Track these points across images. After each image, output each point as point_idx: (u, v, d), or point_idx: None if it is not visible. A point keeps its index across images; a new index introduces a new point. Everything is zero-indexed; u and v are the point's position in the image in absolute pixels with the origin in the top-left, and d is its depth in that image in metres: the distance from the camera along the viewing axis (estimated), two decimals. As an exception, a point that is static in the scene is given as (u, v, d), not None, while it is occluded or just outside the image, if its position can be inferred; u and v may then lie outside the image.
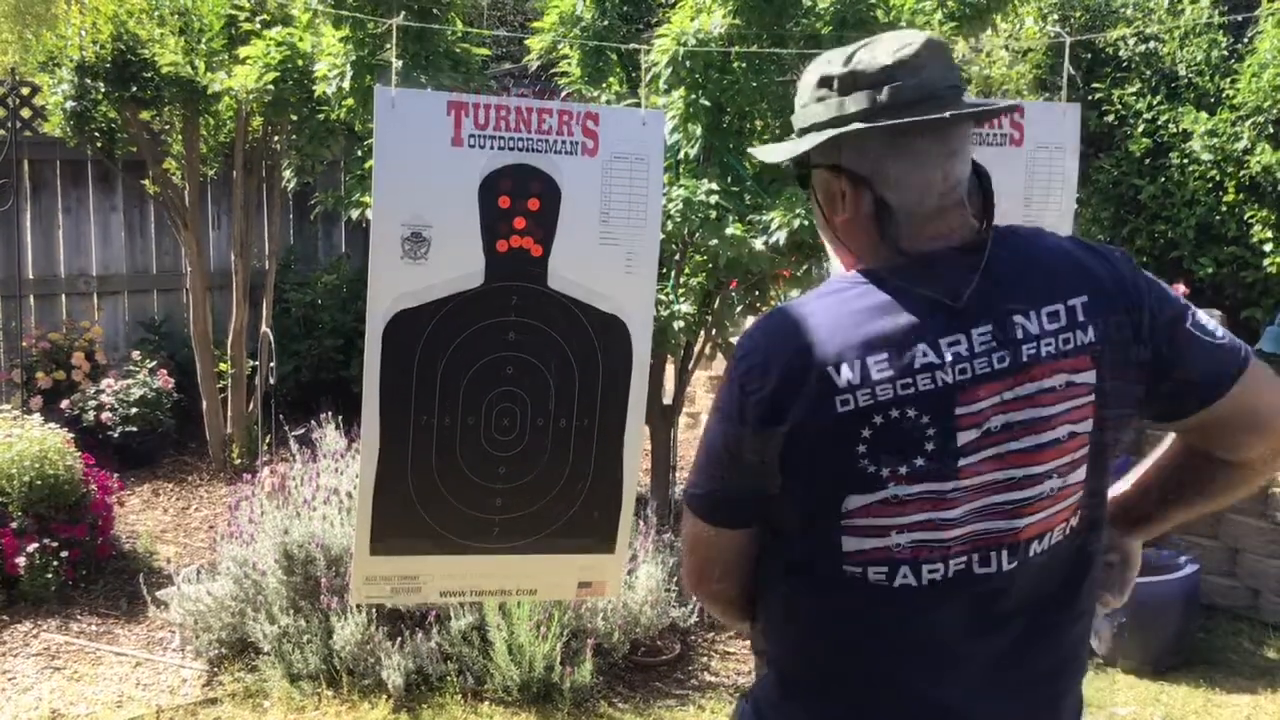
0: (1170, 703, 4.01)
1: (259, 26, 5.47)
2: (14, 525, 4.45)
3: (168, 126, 6.14)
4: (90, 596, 4.60)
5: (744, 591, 1.51)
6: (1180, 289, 5.05)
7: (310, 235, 7.51)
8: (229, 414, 6.17)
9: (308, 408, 5.76)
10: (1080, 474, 1.38)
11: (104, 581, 4.72)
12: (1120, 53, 5.62)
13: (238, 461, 6.03)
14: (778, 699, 1.46)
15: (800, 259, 4.25)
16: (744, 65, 4.05)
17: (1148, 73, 5.53)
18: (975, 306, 1.34)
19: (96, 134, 5.87)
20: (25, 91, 6.45)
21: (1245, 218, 5.13)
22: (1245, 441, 1.44)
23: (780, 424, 1.32)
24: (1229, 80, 5.31)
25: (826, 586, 1.38)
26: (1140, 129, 5.43)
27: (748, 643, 3.94)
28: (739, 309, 4.76)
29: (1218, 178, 5.20)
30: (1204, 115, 5.23)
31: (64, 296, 6.71)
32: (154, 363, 6.37)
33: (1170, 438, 1.53)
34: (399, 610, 3.91)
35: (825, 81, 1.41)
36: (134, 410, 6.04)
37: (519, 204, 2.51)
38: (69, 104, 5.65)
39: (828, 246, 1.50)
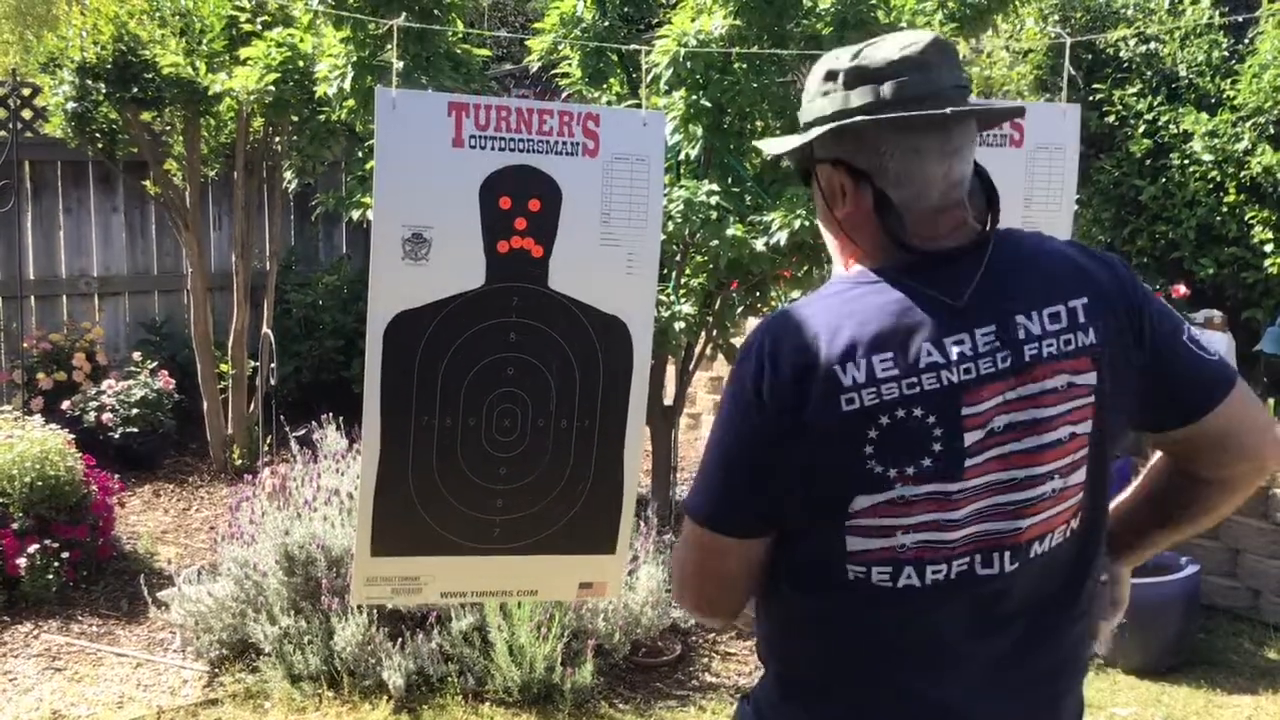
0: (1171, 704, 4.01)
1: (260, 28, 5.48)
2: (15, 526, 4.45)
3: (169, 127, 6.14)
4: (91, 597, 4.60)
5: (746, 601, 1.50)
6: (1181, 290, 5.05)
7: (311, 236, 7.52)
8: (230, 415, 6.17)
9: (308, 408, 5.76)
10: (1080, 475, 1.39)
11: (105, 582, 4.72)
12: (1121, 54, 5.62)
13: (238, 462, 6.04)
14: (777, 700, 1.46)
15: (801, 260, 4.25)
16: (745, 66, 4.05)
17: (1148, 73, 5.53)
18: (978, 306, 1.34)
19: (97, 135, 5.87)
20: (26, 92, 6.45)
21: (1246, 218, 5.13)
22: (1226, 460, 1.47)
23: (789, 422, 1.32)
24: (1230, 81, 5.31)
25: (828, 588, 1.37)
26: (1141, 130, 5.43)
27: (749, 644, 3.94)
28: (740, 310, 4.76)
29: (1218, 179, 5.20)
30: (1205, 116, 5.23)
31: (65, 297, 6.71)
32: (155, 364, 6.38)
33: (1153, 462, 1.55)
34: (400, 611, 3.91)
35: (831, 76, 1.41)
36: (135, 411, 6.04)
37: (520, 205, 2.52)
38: (70, 105, 5.65)
39: (829, 241, 1.50)
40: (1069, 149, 3.07)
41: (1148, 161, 5.44)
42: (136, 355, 6.39)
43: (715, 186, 4.00)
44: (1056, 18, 5.64)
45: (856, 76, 1.38)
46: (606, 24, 4.37)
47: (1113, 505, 1.54)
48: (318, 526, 4.00)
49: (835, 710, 1.41)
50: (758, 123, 4.35)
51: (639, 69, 4.06)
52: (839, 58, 1.42)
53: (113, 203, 6.84)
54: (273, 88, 5.02)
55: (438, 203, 2.47)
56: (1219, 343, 4.75)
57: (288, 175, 5.98)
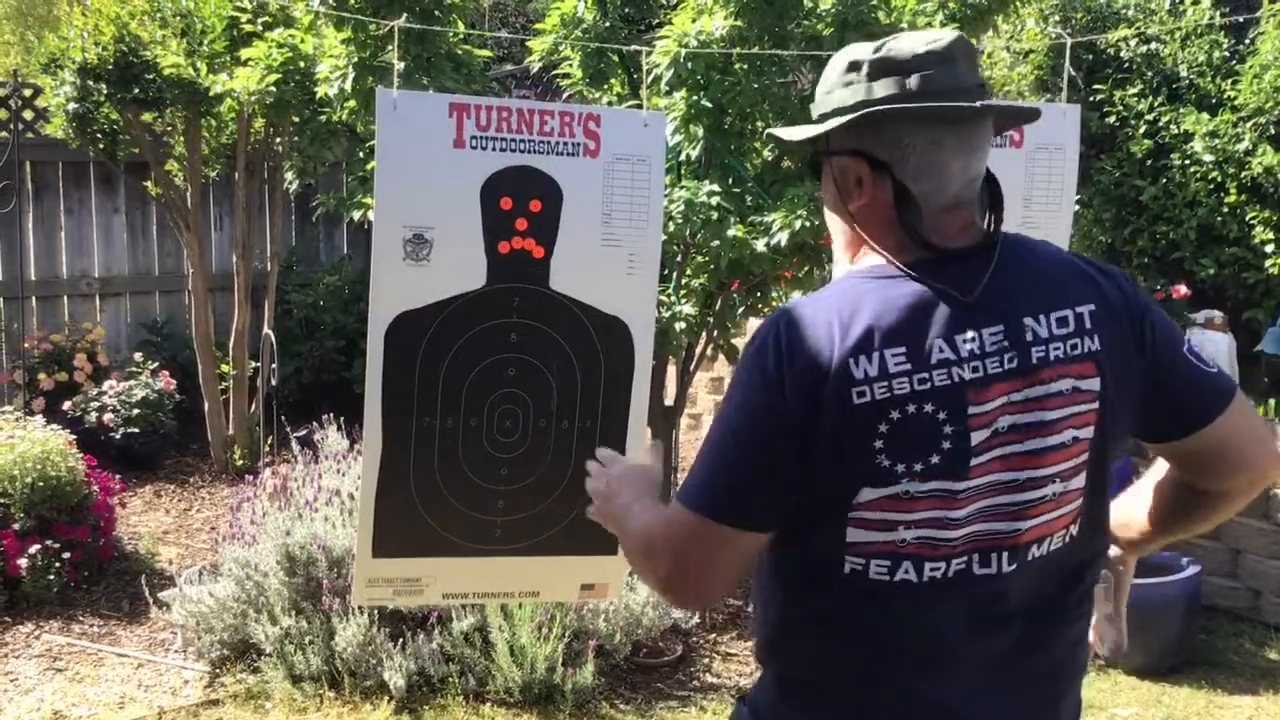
0: (1172, 704, 4.01)
1: (260, 28, 5.48)
2: (16, 527, 4.45)
3: (170, 128, 6.14)
4: (92, 598, 4.60)
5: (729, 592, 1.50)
6: (1182, 290, 5.05)
7: (312, 237, 7.52)
8: (231, 415, 6.17)
9: (309, 409, 5.76)
10: (1081, 480, 1.39)
11: (106, 583, 4.72)
12: (1121, 54, 5.62)
13: (239, 463, 6.04)
14: (776, 700, 1.45)
15: (802, 260, 4.25)
16: (745, 67, 4.05)
17: (1149, 74, 5.53)
18: (986, 306, 1.35)
19: (99, 136, 5.87)
20: (27, 93, 6.45)
21: (1247, 219, 5.13)
22: (1226, 471, 1.48)
23: (802, 413, 1.30)
24: (1230, 81, 5.31)
25: (827, 583, 1.37)
26: (1141, 130, 5.43)
27: (750, 644, 3.94)
28: (740, 310, 4.76)
29: (1219, 179, 5.20)
30: (1205, 116, 5.23)
31: (66, 298, 6.71)
32: (156, 364, 6.38)
33: (1154, 469, 1.57)
34: (401, 611, 3.91)
35: (854, 66, 1.41)
36: (136, 412, 6.04)
37: (521, 206, 2.52)
38: (71, 106, 5.65)
39: (837, 234, 1.49)
40: (1069, 149, 3.07)
41: (1148, 162, 5.44)
42: (138, 356, 6.39)
43: (716, 187, 4.00)
44: (1057, 18, 5.64)
45: (882, 68, 1.38)
46: (607, 25, 4.36)
47: (1112, 505, 1.54)
48: (319, 527, 4.00)
49: (835, 711, 1.41)
50: (758, 123, 4.34)
51: (640, 70, 4.06)
52: (861, 50, 1.42)
53: (114, 203, 6.85)
54: (274, 88, 5.02)
55: (439, 203, 2.47)
56: (1220, 343, 4.76)
57: (289, 176, 5.99)
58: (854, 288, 1.37)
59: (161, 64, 5.49)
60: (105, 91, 5.59)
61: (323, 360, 6.81)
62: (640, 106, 3.58)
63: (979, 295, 1.34)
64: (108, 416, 5.98)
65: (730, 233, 3.96)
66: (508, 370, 2.56)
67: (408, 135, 2.45)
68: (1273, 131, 5.06)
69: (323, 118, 5.37)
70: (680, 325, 4.15)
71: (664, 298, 4.18)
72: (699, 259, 4.33)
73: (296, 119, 5.58)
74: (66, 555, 4.51)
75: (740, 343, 5.70)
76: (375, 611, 3.83)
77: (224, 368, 6.19)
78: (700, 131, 4.10)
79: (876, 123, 1.38)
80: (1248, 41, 5.49)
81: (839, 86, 1.42)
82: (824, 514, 1.34)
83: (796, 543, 1.38)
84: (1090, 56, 5.67)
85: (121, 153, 6.05)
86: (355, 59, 3.96)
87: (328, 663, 3.82)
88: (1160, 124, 5.38)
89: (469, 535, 2.61)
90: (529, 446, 2.60)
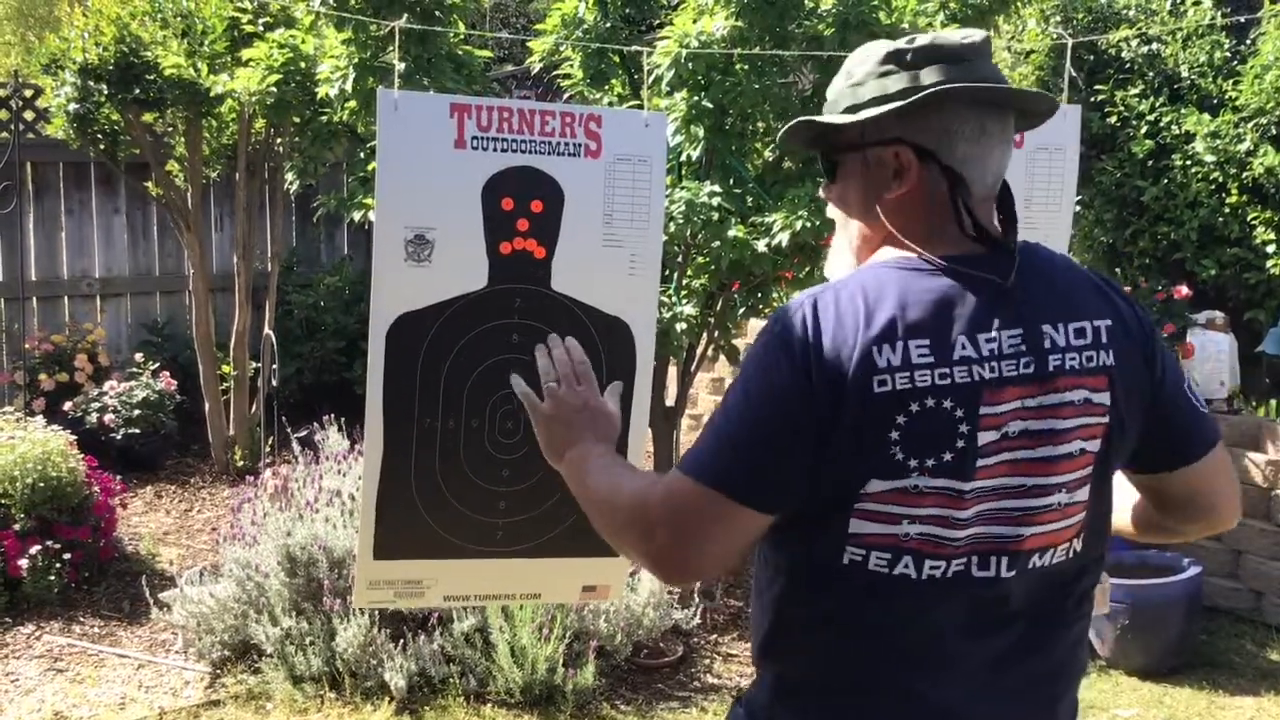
0: (1173, 705, 4.00)
1: (261, 29, 5.48)
2: (17, 527, 4.45)
3: (170, 129, 6.14)
4: (93, 599, 4.60)
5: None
6: (1183, 291, 5.05)
7: (313, 237, 7.52)
8: (231, 416, 6.17)
9: (310, 410, 5.76)
10: (1085, 493, 1.39)
11: (106, 584, 4.72)
12: (1123, 54, 5.62)
13: (240, 464, 6.04)
14: (772, 701, 1.44)
15: (803, 261, 4.25)
16: (746, 67, 4.05)
17: (1150, 74, 5.53)
18: (1008, 308, 1.35)
19: (99, 136, 5.88)
20: (28, 94, 6.46)
21: (1248, 219, 5.13)
22: (1191, 514, 1.52)
23: (826, 397, 1.29)
24: (1231, 82, 5.31)
25: (825, 577, 1.36)
26: (1143, 131, 5.42)
27: (750, 645, 3.90)
28: (741, 311, 4.76)
29: (1220, 179, 5.20)
30: (1206, 117, 5.23)
31: (66, 299, 6.72)
32: (156, 365, 6.38)
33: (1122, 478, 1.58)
34: (401, 612, 3.91)
35: (894, 57, 1.40)
36: (136, 412, 6.04)
37: (522, 206, 2.51)
38: (72, 106, 5.66)
39: (850, 231, 1.48)
40: (1069, 149, 3.07)
41: (1150, 162, 5.44)
42: (138, 356, 6.39)
43: (717, 188, 4.00)
44: (1058, 19, 5.64)
45: (928, 56, 1.38)
46: (608, 25, 4.36)
47: None
48: (319, 527, 4.00)
49: (833, 711, 1.40)
50: (759, 124, 4.35)
51: (640, 70, 4.06)
52: (893, 44, 1.42)
53: (114, 204, 6.85)
54: (274, 89, 5.02)
55: (440, 204, 2.46)
56: (1221, 344, 4.75)
57: (289, 176, 5.98)
58: (881, 276, 1.36)
59: (162, 64, 5.49)
60: (106, 92, 5.59)
61: (323, 361, 6.81)
62: (641, 107, 3.57)
63: (1003, 296, 1.35)
64: (108, 417, 5.98)
65: (731, 233, 3.96)
66: (509, 371, 2.56)
67: (408, 136, 2.45)
68: (1274, 132, 5.06)
69: (323, 118, 5.37)
70: (681, 326, 4.15)
71: (665, 298, 4.17)
72: (700, 260, 4.33)
73: (297, 119, 5.59)
74: (67, 556, 4.51)
75: (741, 343, 5.70)
76: (376, 612, 3.83)
77: (225, 368, 6.19)
78: (701, 132, 4.10)
79: (926, 109, 1.37)
80: (1249, 42, 5.49)
81: (873, 78, 1.41)
82: (830, 501, 1.33)
83: (798, 532, 1.36)
84: (1091, 57, 5.66)
85: (122, 153, 6.05)
86: (356, 59, 3.96)
87: (328, 663, 3.82)
88: (1161, 124, 5.38)
89: (471, 537, 2.61)
90: (531, 448, 2.57)
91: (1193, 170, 5.26)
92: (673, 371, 4.97)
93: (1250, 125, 5.09)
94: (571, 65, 4.45)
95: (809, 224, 3.88)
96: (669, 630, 4.20)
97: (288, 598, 3.93)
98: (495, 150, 2.48)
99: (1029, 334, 1.34)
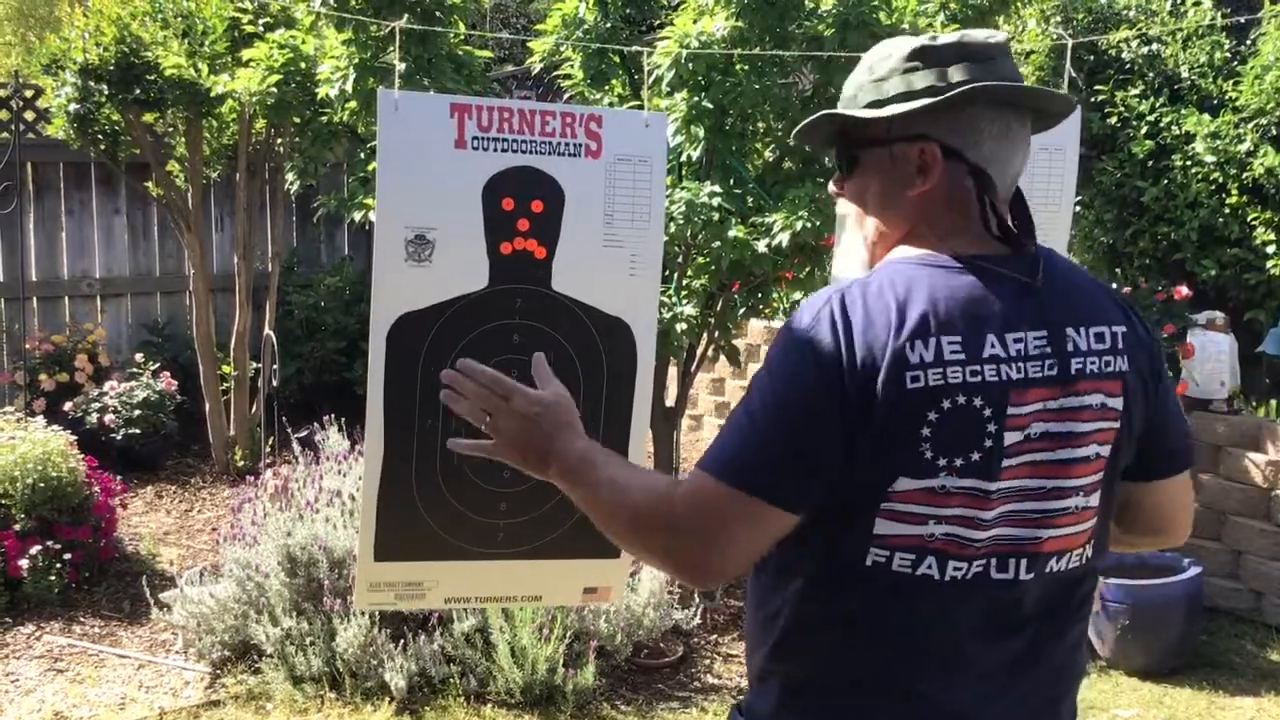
0: (1174, 706, 4.00)
1: (262, 29, 5.48)
2: (17, 528, 4.45)
3: (171, 129, 6.14)
4: (93, 599, 4.60)
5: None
6: (1183, 291, 5.05)
7: (313, 238, 7.52)
8: (232, 416, 6.17)
9: (310, 410, 5.76)
10: (1097, 498, 1.39)
11: (107, 584, 4.72)
12: (1123, 55, 5.62)
13: (240, 464, 6.04)
14: (777, 707, 1.41)
15: (803, 261, 4.25)
16: (746, 68, 4.05)
17: (1150, 75, 5.53)
18: (1033, 310, 1.35)
19: (100, 136, 5.88)
20: (29, 94, 6.46)
21: (1248, 220, 5.13)
22: (1149, 528, 1.53)
23: (858, 394, 1.27)
24: (1232, 82, 5.31)
25: (847, 578, 1.33)
26: (1143, 131, 5.42)
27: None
28: (741, 311, 4.76)
29: (1220, 180, 5.20)
30: (1207, 118, 5.23)
31: (67, 299, 6.72)
32: (157, 365, 6.38)
33: None
34: (402, 612, 3.91)
35: (921, 54, 1.39)
36: (137, 413, 6.04)
37: (522, 206, 2.52)
38: (72, 106, 5.65)
39: (865, 226, 1.46)
40: (1069, 149, 3.07)
41: (1150, 163, 5.44)
42: (138, 357, 6.39)
43: (717, 188, 4.00)
44: (1058, 19, 5.64)
45: (955, 54, 1.38)
46: (608, 25, 4.37)
47: None
48: (320, 528, 4.00)
49: (840, 713, 1.38)
50: (759, 124, 4.35)
51: (641, 70, 4.06)
52: (916, 41, 1.42)
53: (115, 204, 6.85)
54: (275, 89, 5.02)
55: (440, 204, 2.47)
56: (1221, 344, 4.75)
57: (290, 177, 5.98)
58: (907, 272, 1.34)
59: (163, 65, 5.49)
60: (106, 92, 5.59)
61: (324, 361, 6.81)
62: (641, 107, 3.58)
63: (1029, 297, 1.35)
64: (109, 417, 5.98)
65: (731, 234, 3.97)
66: (510, 372, 2.54)
67: (409, 136, 2.45)
68: (1274, 132, 5.06)
69: (324, 118, 5.37)
70: (681, 326, 4.15)
71: (665, 299, 4.18)
72: (700, 260, 4.33)
73: (298, 120, 5.59)
74: (67, 556, 4.50)
75: (741, 344, 5.70)
76: (376, 612, 3.83)
77: (225, 369, 6.18)
78: (701, 132, 4.10)
79: (955, 107, 1.36)
80: (1249, 42, 5.49)
81: (898, 74, 1.40)
82: (855, 501, 1.31)
83: (820, 532, 1.33)
84: (1091, 57, 5.67)
85: (123, 153, 6.05)
86: (356, 60, 3.96)
87: (329, 664, 3.82)
88: (1161, 125, 5.38)
89: (471, 539, 2.61)
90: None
91: (1193, 171, 5.27)
92: (673, 372, 4.97)
93: (1250, 126, 5.10)
94: (572, 65, 4.45)
95: (809, 224, 3.88)
96: (669, 630, 4.20)
97: (288, 598, 3.93)
98: (496, 150, 2.48)
99: (1053, 336, 1.34)
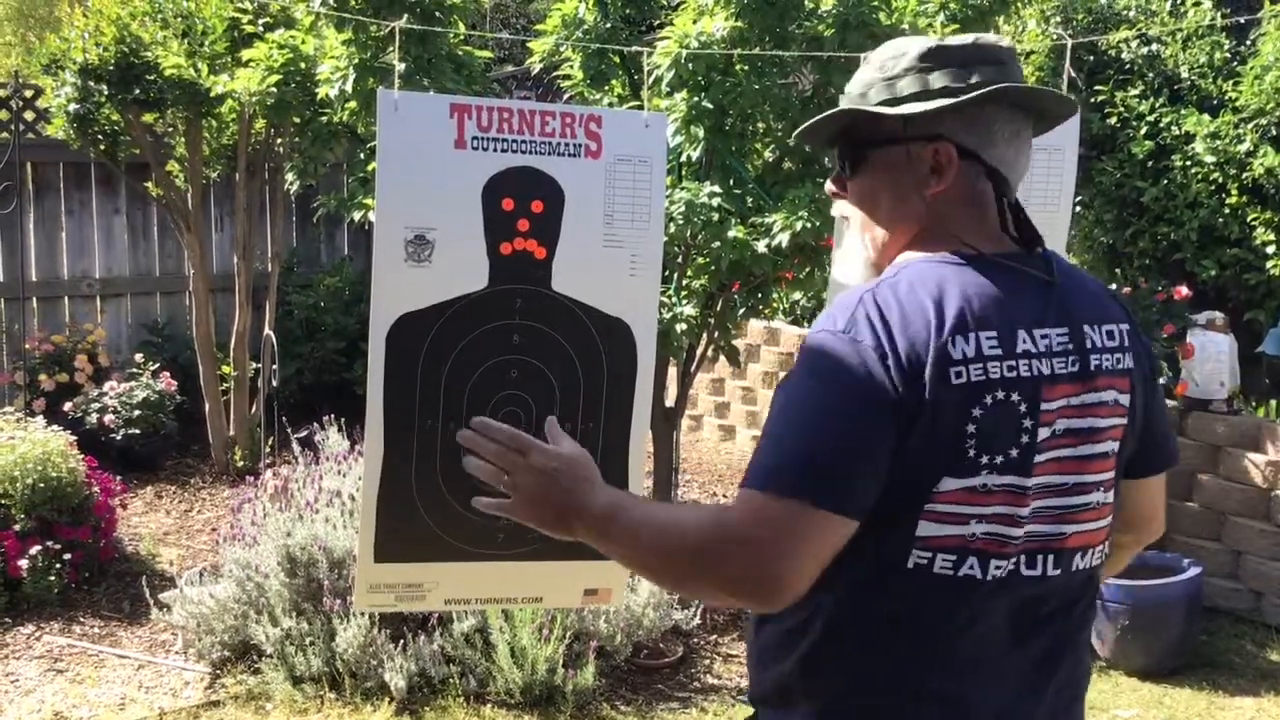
0: (1173, 706, 4.00)
1: (261, 29, 5.48)
2: (17, 528, 4.45)
3: (171, 129, 6.14)
4: (93, 599, 4.60)
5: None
6: (1183, 291, 5.05)
7: (313, 238, 7.52)
8: (231, 417, 6.17)
9: (310, 410, 5.76)
10: (1112, 494, 1.40)
11: (107, 584, 4.72)
12: (1123, 55, 5.62)
13: (240, 464, 6.04)
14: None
15: (803, 261, 4.25)
16: (746, 68, 4.05)
17: (1150, 75, 5.53)
18: (1055, 307, 1.36)
19: (99, 137, 5.88)
20: (29, 94, 6.46)
21: (1248, 220, 5.13)
22: (1128, 524, 1.52)
23: (906, 394, 1.26)
24: (1231, 83, 5.31)
25: (885, 583, 1.31)
26: (1143, 131, 5.43)
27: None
28: (741, 311, 4.76)
29: (1220, 180, 5.20)
30: (1206, 118, 5.23)
31: (67, 299, 6.71)
32: (156, 365, 6.38)
33: None
34: (402, 613, 3.91)
35: (936, 54, 1.39)
36: (136, 413, 6.04)
37: (522, 207, 2.51)
38: (72, 107, 5.65)
39: (876, 225, 1.44)
40: (1068, 150, 3.07)
41: (1149, 163, 5.44)
42: (138, 357, 6.39)
43: (717, 188, 4.00)
44: (1058, 19, 5.64)
45: (972, 56, 1.39)
46: (608, 26, 4.37)
47: None
48: (319, 528, 4.00)
49: (874, 716, 1.36)
50: (759, 124, 4.35)
51: (641, 71, 4.06)
52: (928, 41, 1.42)
53: (115, 204, 6.85)
54: (274, 89, 5.02)
55: (440, 204, 2.46)
56: (1221, 345, 4.75)
57: (289, 177, 5.99)
58: (933, 271, 1.34)
59: (162, 65, 5.49)
60: (106, 92, 5.59)
61: (323, 361, 6.81)
62: (641, 107, 3.58)
63: (1049, 294, 1.36)
64: (108, 417, 5.98)
65: (731, 234, 3.97)
66: (510, 372, 2.55)
67: (408, 136, 2.45)
68: (1274, 133, 5.06)
69: (324, 119, 5.37)
70: (681, 326, 4.15)
71: (665, 299, 4.18)
72: (700, 260, 4.33)
73: (297, 120, 5.59)
74: (67, 556, 4.50)
75: (741, 344, 5.70)
76: (376, 613, 3.83)
77: (225, 369, 6.18)
78: (701, 133, 4.10)
79: (975, 107, 1.37)
80: (1249, 43, 5.49)
81: (913, 74, 1.40)
82: (899, 504, 1.29)
83: (859, 540, 1.28)
84: (1091, 58, 5.67)
85: (122, 154, 6.05)
86: (356, 60, 3.96)
87: (328, 664, 3.82)
88: (1161, 125, 5.38)
89: (472, 540, 2.60)
90: (532, 449, 2.59)
91: (1193, 171, 5.27)
92: (673, 372, 4.97)
93: (1250, 126, 5.10)
94: (571, 66, 4.45)
95: (809, 224, 3.88)
96: (669, 631, 4.20)
97: (288, 598, 3.93)
98: (495, 150, 2.48)
99: (1074, 332, 1.35)
